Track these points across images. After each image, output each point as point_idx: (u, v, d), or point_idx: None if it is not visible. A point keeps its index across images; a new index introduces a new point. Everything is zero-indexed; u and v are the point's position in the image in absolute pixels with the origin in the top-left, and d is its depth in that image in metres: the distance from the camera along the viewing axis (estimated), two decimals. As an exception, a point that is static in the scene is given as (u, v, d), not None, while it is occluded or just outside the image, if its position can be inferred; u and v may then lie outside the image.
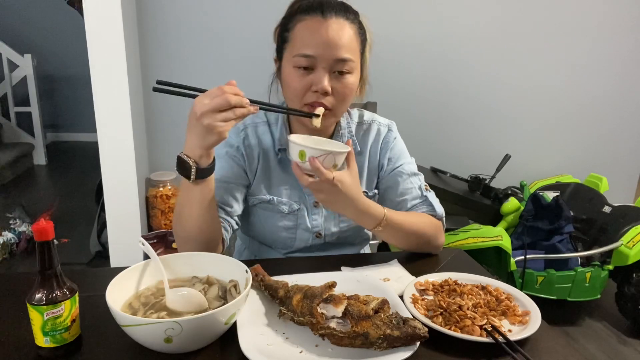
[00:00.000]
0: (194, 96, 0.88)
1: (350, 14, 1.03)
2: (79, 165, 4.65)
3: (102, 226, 2.68)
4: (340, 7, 1.02)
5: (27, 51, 4.42)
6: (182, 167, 0.91)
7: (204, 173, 0.91)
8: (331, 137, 1.16)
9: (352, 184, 0.94)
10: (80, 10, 2.73)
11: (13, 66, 4.46)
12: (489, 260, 2.13)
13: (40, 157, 4.67)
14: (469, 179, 2.41)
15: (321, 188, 0.92)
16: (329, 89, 1.01)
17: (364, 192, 1.17)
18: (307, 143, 0.93)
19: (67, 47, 5.11)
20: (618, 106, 2.82)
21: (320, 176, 0.89)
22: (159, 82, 0.88)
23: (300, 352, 0.75)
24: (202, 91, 0.88)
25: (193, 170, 0.90)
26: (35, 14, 5.08)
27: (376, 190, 1.20)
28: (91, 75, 2.22)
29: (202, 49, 2.45)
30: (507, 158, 2.43)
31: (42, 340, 0.71)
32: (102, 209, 2.53)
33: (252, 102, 0.90)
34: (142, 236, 2.30)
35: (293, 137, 0.94)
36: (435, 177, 2.46)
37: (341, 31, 1.00)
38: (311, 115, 1.01)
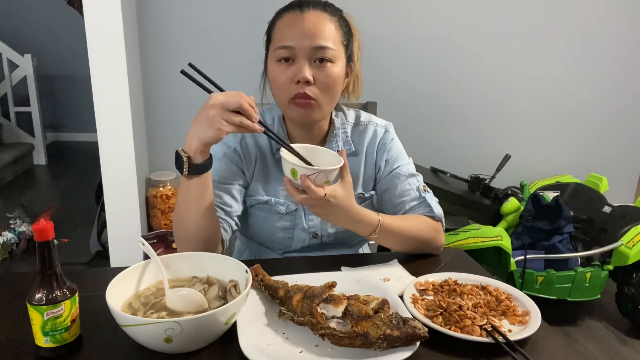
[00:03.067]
0: (211, 92, 0.91)
1: (328, 7, 1.05)
2: (79, 165, 4.65)
3: (102, 226, 2.68)
4: (319, 3, 1.05)
5: (27, 51, 4.42)
6: (178, 161, 0.92)
7: (197, 169, 0.92)
8: (325, 136, 1.16)
9: (344, 197, 0.95)
10: (80, 10, 2.73)
11: (13, 66, 4.46)
12: (489, 260, 2.13)
13: (40, 157, 4.67)
14: (469, 179, 2.41)
15: (313, 204, 0.93)
16: (310, 77, 1.01)
17: (360, 193, 1.17)
18: (300, 154, 0.93)
19: (67, 47, 5.10)
20: (618, 106, 2.82)
21: (311, 194, 0.89)
22: (190, 65, 0.91)
23: (300, 352, 0.75)
24: (223, 90, 0.91)
25: (186, 165, 0.91)
26: (35, 14, 5.08)
27: (373, 192, 1.20)
28: (91, 75, 2.22)
29: (203, 49, 2.45)
30: (507, 158, 2.43)
31: (42, 340, 0.71)
32: (102, 209, 2.53)
33: (261, 124, 0.91)
34: (142, 236, 2.31)
35: (285, 154, 0.93)
36: (435, 177, 2.46)
37: (319, 22, 1.02)
38: (307, 162, 0.95)
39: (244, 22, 2.42)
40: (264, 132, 0.93)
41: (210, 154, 0.95)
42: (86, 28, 2.17)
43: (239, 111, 0.88)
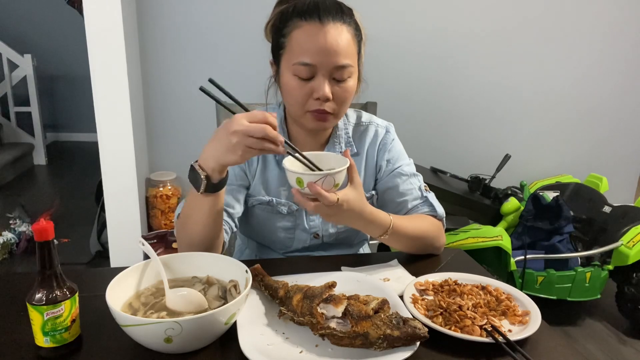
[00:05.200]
0: (232, 110, 0.87)
1: (346, 15, 1.02)
2: (79, 165, 4.65)
3: (102, 226, 2.68)
4: (337, 10, 1.01)
5: (27, 51, 4.42)
6: (193, 177, 0.89)
7: (214, 187, 0.89)
8: (328, 138, 1.16)
9: (357, 199, 0.92)
10: (80, 10, 2.73)
11: (13, 66, 4.46)
12: (489, 260, 2.13)
13: (40, 157, 4.67)
14: (469, 179, 2.41)
15: (328, 212, 0.89)
16: (330, 95, 1.00)
17: None
18: (311, 161, 0.91)
19: (67, 47, 5.10)
20: (618, 106, 2.83)
21: (323, 201, 0.85)
22: (210, 81, 0.86)
23: (300, 352, 0.75)
24: (244, 107, 0.87)
25: (203, 184, 0.87)
26: (35, 14, 5.08)
27: (374, 192, 1.20)
28: (91, 75, 2.22)
29: (202, 49, 2.45)
30: (507, 158, 2.43)
31: (42, 340, 0.71)
32: (102, 209, 2.53)
33: (287, 143, 0.87)
34: (142, 236, 2.31)
35: (287, 164, 0.89)
36: (435, 177, 2.46)
37: (339, 37, 0.99)
38: (318, 168, 0.92)
39: (245, 21, 2.42)
40: (287, 152, 0.88)
41: (227, 171, 0.92)
42: (86, 28, 2.17)
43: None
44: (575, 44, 2.69)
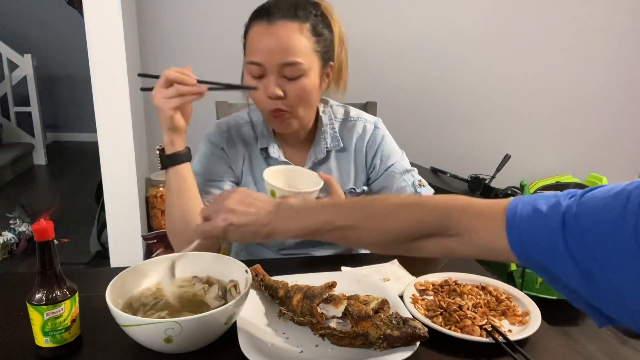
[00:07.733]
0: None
1: (300, 12, 1.01)
2: (79, 165, 4.65)
3: (102, 226, 2.67)
4: (289, 8, 1.01)
5: (27, 51, 4.42)
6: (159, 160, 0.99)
7: (169, 160, 0.97)
8: (313, 134, 1.16)
9: None
10: (80, 10, 2.73)
11: (13, 66, 4.46)
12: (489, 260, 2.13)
13: (40, 157, 4.67)
14: (469, 179, 2.41)
15: None
16: (280, 93, 1.01)
17: (351, 188, 1.18)
18: (280, 176, 0.99)
19: (67, 47, 5.10)
20: (618, 106, 2.82)
21: None
22: (140, 75, 0.99)
23: (301, 352, 0.75)
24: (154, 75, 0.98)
25: (158, 157, 0.97)
26: (35, 14, 5.08)
27: (365, 188, 1.20)
28: (91, 75, 2.22)
29: (202, 48, 2.45)
30: (507, 158, 2.43)
31: (42, 340, 0.71)
32: (102, 209, 2.53)
33: (201, 82, 0.95)
34: (142, 236, 2.31)
35: (266, 175, 0.97)
36: (435, 177, 2.46)
37: (287, 35, 0.99)
38: (249, 87, 1.03)
39: (245, 21, 2.41)
40: (210, 89, 0.97)
41: (188, 148, 1.00)
42: (86, 28, 2.17)
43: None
44: (575, 44, 2.68)
